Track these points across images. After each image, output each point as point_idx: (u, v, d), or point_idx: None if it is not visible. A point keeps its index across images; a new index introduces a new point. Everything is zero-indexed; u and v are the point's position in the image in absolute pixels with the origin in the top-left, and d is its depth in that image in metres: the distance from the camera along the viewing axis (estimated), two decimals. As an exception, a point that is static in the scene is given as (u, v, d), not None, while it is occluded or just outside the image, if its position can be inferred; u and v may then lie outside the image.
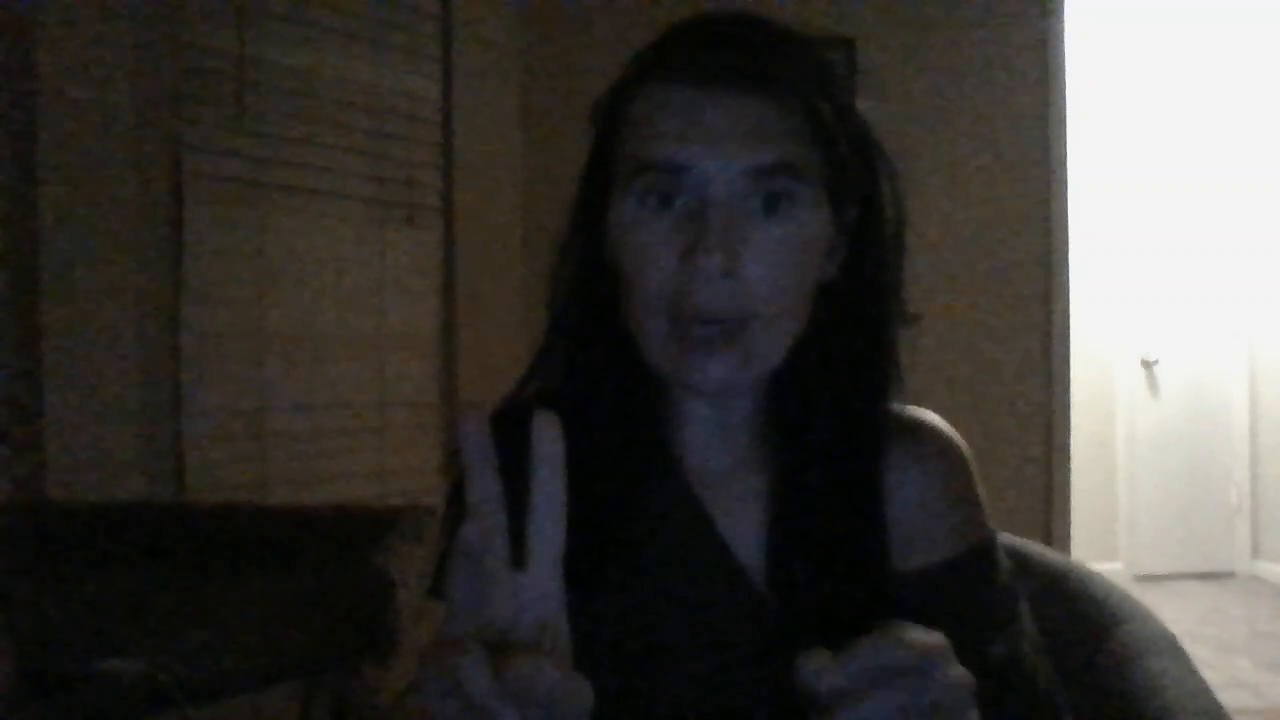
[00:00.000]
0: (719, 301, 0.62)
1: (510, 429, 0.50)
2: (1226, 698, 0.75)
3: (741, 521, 0.68)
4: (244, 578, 1.60)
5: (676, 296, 0.63)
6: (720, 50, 0.63)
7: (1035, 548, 0.99)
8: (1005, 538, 0.83)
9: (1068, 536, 3.10)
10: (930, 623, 0.63)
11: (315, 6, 2.31)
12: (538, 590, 0.46)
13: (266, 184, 2.21)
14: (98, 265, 1.91)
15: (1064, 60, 3.12)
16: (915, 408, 0.74)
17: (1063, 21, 3.11)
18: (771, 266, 0.63)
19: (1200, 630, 3.81)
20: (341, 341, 2.37)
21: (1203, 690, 0.74)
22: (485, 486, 0.45)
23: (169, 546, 1.67)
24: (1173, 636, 0.82)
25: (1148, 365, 4.70)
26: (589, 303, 0.70)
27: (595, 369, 0.70)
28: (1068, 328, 3.13)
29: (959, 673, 0.48)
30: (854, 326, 0.69)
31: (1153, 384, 4.73)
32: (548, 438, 0.46)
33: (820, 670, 0.45)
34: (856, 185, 0.67)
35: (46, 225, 1.83)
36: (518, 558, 0.46)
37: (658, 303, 0.63)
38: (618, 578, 0.66)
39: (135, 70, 1.97)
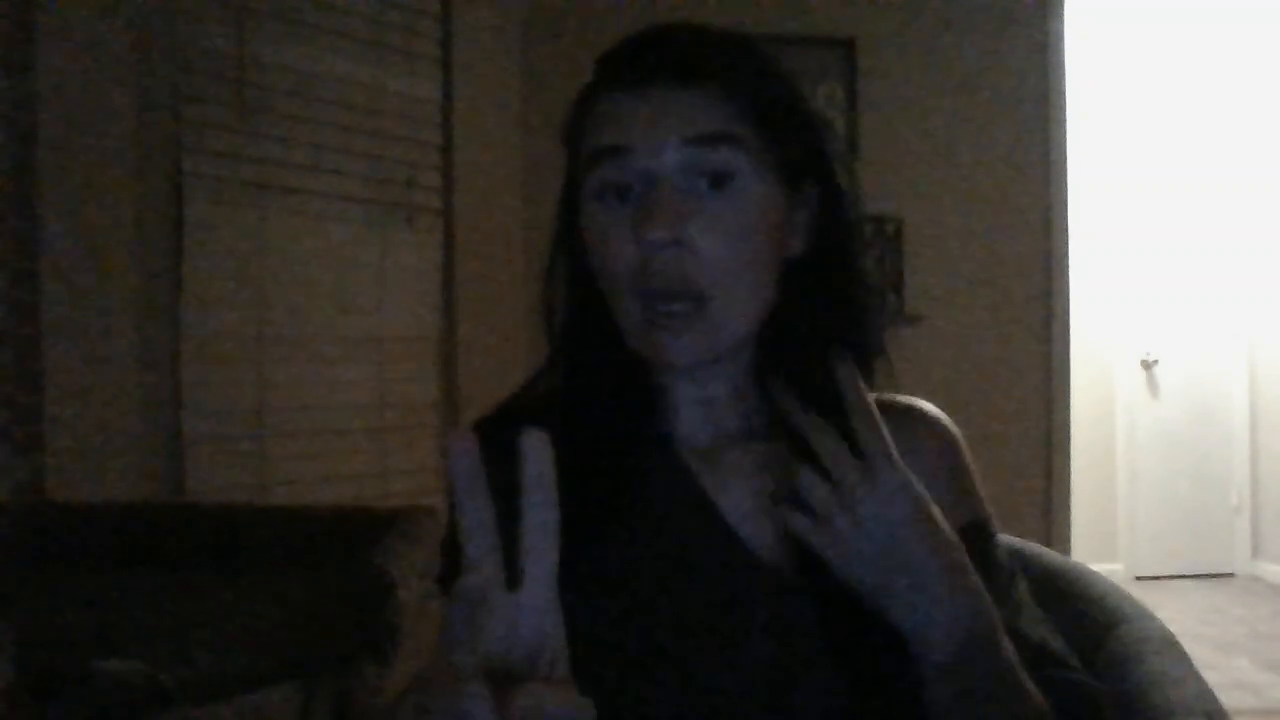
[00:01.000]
0: (672, 271, 0.66)
1: (510, 433, 0.50)
2: (1226, 698, 0.75)
3: (732, 491, 0.71)
4: (244, 578, 1.60)
5: (638, 275, 0.66)
6: (656, 55, 0.68)
7: (1035, 548, 0.98)
8: (1005, 538, 0.83)
9: (1068, 536, 3.11)
10: None
11: (315, 7, 2.31)
12: (533, 610, 0.46)
13: (266, 184, 2.22)
14: (98, 265, 1.91)
15: (1064, 60, 3.12)
16: (907, 396, 0.76)
17: (1063, 21, 3.12)
18: (723, 240, 0.66)
19: (1200, 630, 3.81)
20: (341, 341, 2.37)
21: (1203, 690, 0.74)
22: (477, 515, 0.46)
23: (169, 546, 1.67)
24: (1173, 636, 0.82)
25: (1148, 366, 4.71)
26: (580, 306, 0.74)
27: (589, 362, 0.74)
28: (1068, 328, 3.13)
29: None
30: (826, 301, 0.72)
31: (1153, 384, 4.73)
32: (536, 457, 0.46)
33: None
34: (807, 160, 0.71)
35: (46, 225, 1.84)
36: (511, 576, 0.46)
37: (624, 284, 0.67)
38: (617, 551, 0.68)
39: (135, 70, 1.97)
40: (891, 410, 0.73)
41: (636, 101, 0.67)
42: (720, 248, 0.66)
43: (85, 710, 1.34)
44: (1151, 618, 0.85)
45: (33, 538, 1.66)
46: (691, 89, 0.66)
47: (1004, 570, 0.71)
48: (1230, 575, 4.70)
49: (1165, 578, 4.62)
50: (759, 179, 0.67)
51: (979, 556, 0.69)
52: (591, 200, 0.69)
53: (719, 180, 0.66)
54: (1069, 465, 3.13)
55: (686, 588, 0.68)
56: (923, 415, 0.75)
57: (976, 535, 0.70)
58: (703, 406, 0.74)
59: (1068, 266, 3.12)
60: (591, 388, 0.74)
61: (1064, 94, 3.11)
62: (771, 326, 0.71)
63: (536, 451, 0.46)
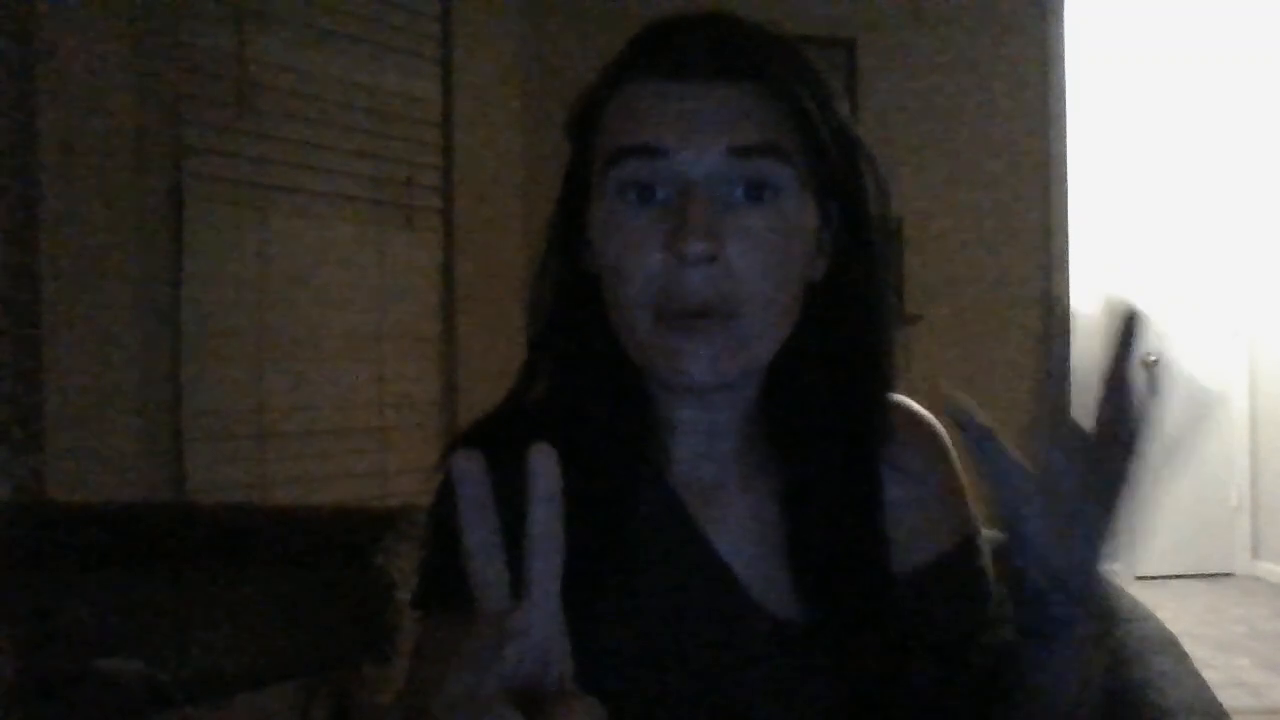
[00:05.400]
0: (706, 289, 0.60)
1: (499, 447, 0.49)
2: (1226, 698, 0.75)
3: (731, 531, 0.66)
4: (244, 578, 1.60)
5: (663, 287, 0.60)
6: (693, 43, 0.62)
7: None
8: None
9: (1068, 536, 3.10)
10: (930, 622, 0.64)
11: (315, 7, 2.31)
12: (539, 628, 0.45)
13: (266, 184, 2.21)
14: (98, 265, 1.91)
15: (1064, 60, 3.12)
16: (893, 396, 0.71)
17: (1063, 22, 3.11)
18: (756, 253, 0.60)
19: (1200, 630, 3.81)
20: (341, 341, 2.37)
21: (1203, 690, 0.74)
22: (485, 537, 0.44)
23: (169, 546, 1.67)
24: (1173, 636, 0.82)
25: (1147, 366, 4.70)
26: (572, 313, 0.68)
27: (581, 379, 0.68)
28: (1068, 328, 3.13)
29: None
30: (846, 328, 0.67)
31: (1152, 384, 4.72)
32: (544, 474, 0.44)
33: None
34: (839, 177, 0.65)
35: (46, 225, 1.83)
36: (515, 589, 0.45)
37: (644, 296, 0.61)
38: (609, 592, 0.63)
39: (135, 70, 1.97)
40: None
41: (672, 95, 0.61)
42: (753, 263, 0.60)
43: (85, 710, 1.34)
44: (1151, 618, 0.85)
45: (33, 538, 1.66)
46: (733, 87, 0.60)
47: (993, 584, 0.69)
48: (1230, 575, 4.70)
49: (1165, 578, 4.61)
50: (796, 192, 0.62)
51: (974, 574, 0.68)
52: (610, 198, 0.62)
53: (756, 191, 0.61)
54: (1069, 465, 3.13)
55: (684, 638, 0.64)
56: (914, 417, 0.72)
57: (970, 551, 0.69)
58: (705, 434, 0.67)
59: (1068, 266, 3.12)
60: (581, 408, 0.67)
61: (1064, 94, 3.11)
62: (783, 352, 0.65)
63: (545, 469, 0.44)
